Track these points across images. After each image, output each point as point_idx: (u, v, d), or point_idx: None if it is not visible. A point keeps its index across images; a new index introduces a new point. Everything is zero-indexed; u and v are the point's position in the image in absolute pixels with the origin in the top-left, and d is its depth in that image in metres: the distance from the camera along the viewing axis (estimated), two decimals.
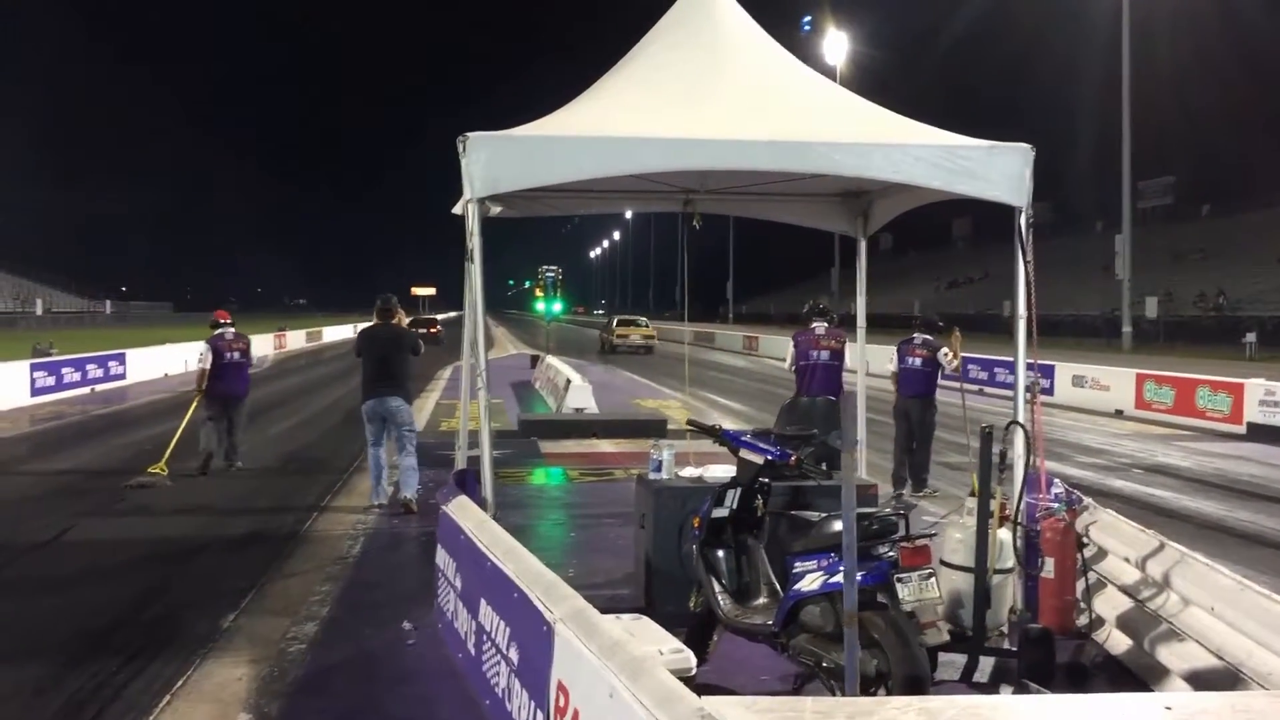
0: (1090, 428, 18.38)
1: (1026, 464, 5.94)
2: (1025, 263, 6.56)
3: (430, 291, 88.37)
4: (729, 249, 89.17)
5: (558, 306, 36.97)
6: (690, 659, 4.32)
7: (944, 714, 2.90)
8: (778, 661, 5.21)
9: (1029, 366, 6.56)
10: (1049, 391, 22.32)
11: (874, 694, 4.54)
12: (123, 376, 26.25)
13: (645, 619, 4.85)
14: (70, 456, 14.43)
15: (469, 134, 6.17)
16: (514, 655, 4.39)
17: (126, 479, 11.60)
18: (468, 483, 6.65)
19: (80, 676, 5.68)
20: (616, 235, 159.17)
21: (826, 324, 10.77)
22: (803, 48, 54.10)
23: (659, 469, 6.90)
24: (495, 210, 7.89)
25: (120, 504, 10.73)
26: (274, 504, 10.71)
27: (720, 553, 5.45)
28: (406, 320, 10.87)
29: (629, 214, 69.74)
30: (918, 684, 4.46)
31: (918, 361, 11.22)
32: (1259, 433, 16.62)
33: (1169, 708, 3.05)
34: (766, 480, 5.50)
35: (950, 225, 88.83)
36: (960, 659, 5.26)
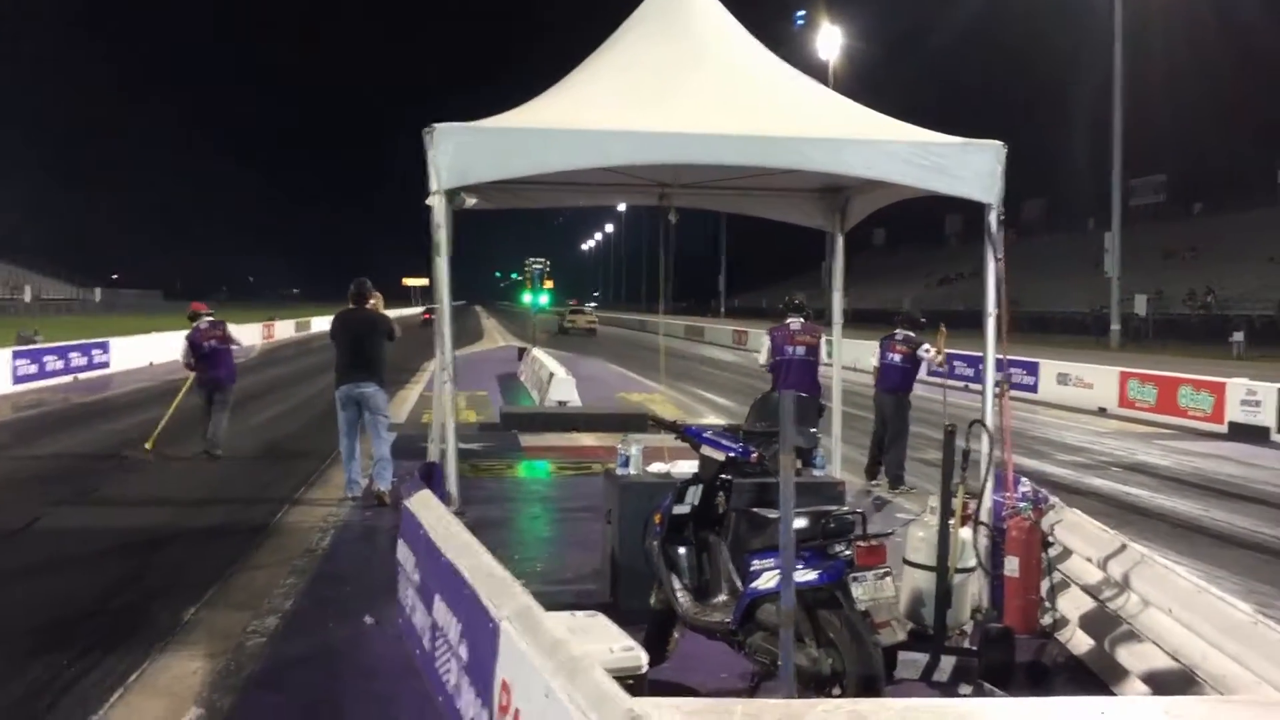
0: (1073, 425, 18.39)
1: (989, 462, 5.92)
2: (996, 260, 6.56)
3: (423, 282, 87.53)
4: (721, 242, 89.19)
5: (544, 299, 36.88)
6: (640, 657, 4.29)
7: (875, 716, 2.87)
8: (737, 660, 5.18)
9: (998, 364, 6.56)
10: (1033, 389, 22.37)
11: (829, 693, 4.52)
12: (106, 365, 26.14)
13: (600, 616, 4.82)
14: (48, 444, 14.35)
15: (435, 125, 6.12)
16: (464, 652, 4.36)
17: (107, 460, 11.59)
18: (434, 476, 6.61)
19: (37, 668, 5.63)
20: (610, 228, 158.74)
21: (803, 319, 10.74)
22: (795, 42, 54.10)
23: (627, 464, 6.88)
24: (470, 202, 7.81)
25: (94, 492, 10.68)
26: (248, 494, 10.66)
27: (681, 549, 5.41)
28: (383, 305, 10.77)
29: (622, 206, 69.52)
30: (872, 683, 4.44)
31: (897, 358, 11.29)
32: (1240, 432, 16.64)
33: (1104, 713, 3.02)
34: (728, 477, 5.46)
35: (943, 221, 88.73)
36: (923, 658, 5.25)
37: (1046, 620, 6.08)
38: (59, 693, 5.33)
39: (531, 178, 7.11)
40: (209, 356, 12.86)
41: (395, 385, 20.35)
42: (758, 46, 7.57)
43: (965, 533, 5.77)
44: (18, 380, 21.55)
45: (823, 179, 8.13)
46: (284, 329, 50.50)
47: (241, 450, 13.17)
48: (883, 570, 4.66)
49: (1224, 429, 17.09)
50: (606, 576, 6.80)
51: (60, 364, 23.80)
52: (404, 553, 6.14)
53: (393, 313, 11.29)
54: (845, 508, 5.09)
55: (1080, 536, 5.96)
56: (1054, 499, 6.43)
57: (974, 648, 5.54)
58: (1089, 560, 5.77)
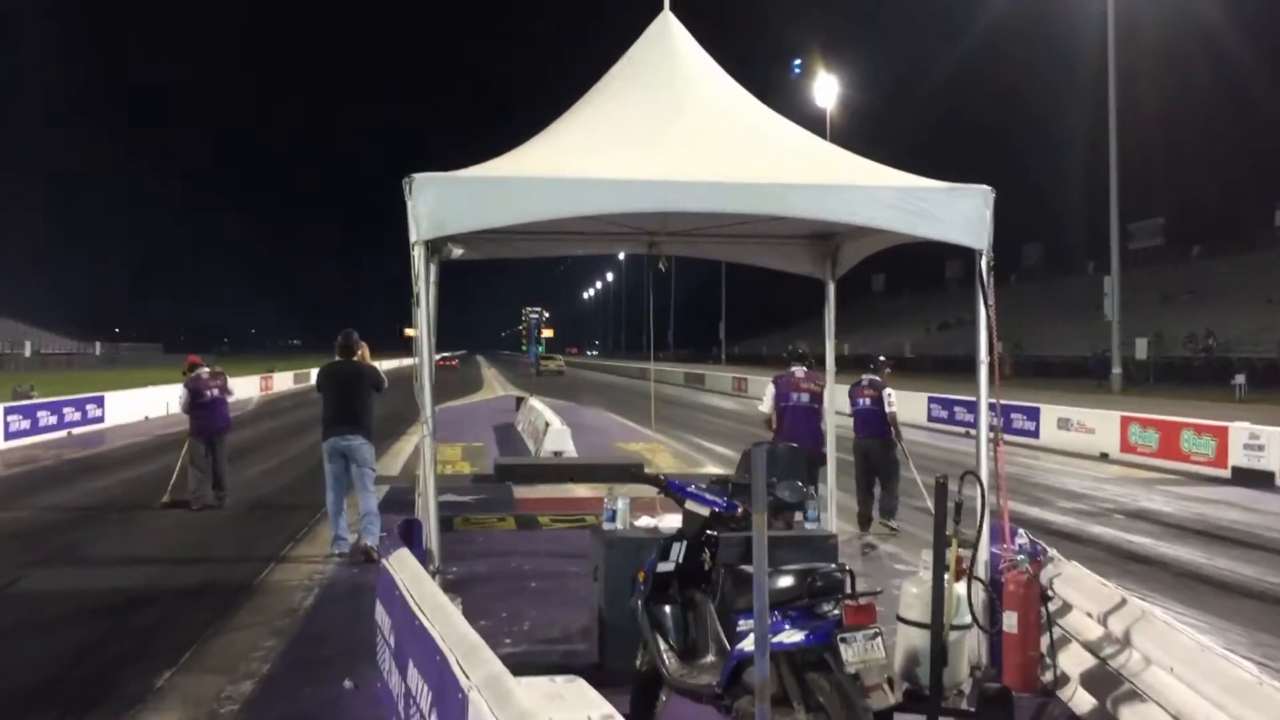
0: (1074, 471, 18.16)
1: (982, 515, 5.75)
2: (986, 306, 6.41)
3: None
4: (721, 289, 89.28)
5: (540, 348, 36.83)
6: None
7: None
8: None
9: (991, 408, 6.40)
10: (1035, 434, 22.16)
11: None
12: (101, 419, 25.97)
13: (579, 681, 4.60)
14: (34, 503, 14.15)
15: (414, 175, 6.01)
16: None
17: (93, 518, 11.52)
18: (414, 533, 6.42)
19: None
20: (610, 276, 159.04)
21: (806, 368, 10.78)
22: (792, 90, 54.47)
23: (613, 518, 6.71)
24: (457, 253, 7.74)
25: (75, 551, 10.49)
26: (234, 552, 10.47)
27: (666, 609, 5.22)
28: (370, 356, 10.68)
29: (621, 255, 69.64)
30: None
31: (867, 402, 11.57)
32: (1243, 476, 16.41)
33: None
34: (714, 533, 5.28)
35: (943, 266, 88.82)
36: None
37: (1047, 678, 5.87)
38: None
39: (517, 226, 7.00)
40: (209, 405, 13.17)
41: (391, 437, 20.24)
42: (742, 93, 7.48)
43: (960, 588, 5.58)
44: (10, 436, 21.38)
45: (811, 225, 8.02)
46: (283, 381, 50.28)
47: (232, 505, 13.05)
48: (873, 630, 4.46)
49: (1227, 474, 16.85)
50: (594, 636, 6.60)
51: (54, 419, 23.64)
52: (381, 614, 5.96)
53: (393, 364, 11.21)
54: (834, 564, 4.90)
55: (1080, 590, 5.76)
56: (1052, 551, 6.24)
57: (971, 709, 5.34)
58: (1089, 615, 5.57)
